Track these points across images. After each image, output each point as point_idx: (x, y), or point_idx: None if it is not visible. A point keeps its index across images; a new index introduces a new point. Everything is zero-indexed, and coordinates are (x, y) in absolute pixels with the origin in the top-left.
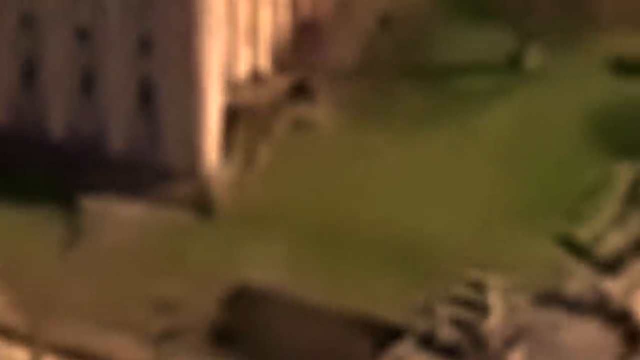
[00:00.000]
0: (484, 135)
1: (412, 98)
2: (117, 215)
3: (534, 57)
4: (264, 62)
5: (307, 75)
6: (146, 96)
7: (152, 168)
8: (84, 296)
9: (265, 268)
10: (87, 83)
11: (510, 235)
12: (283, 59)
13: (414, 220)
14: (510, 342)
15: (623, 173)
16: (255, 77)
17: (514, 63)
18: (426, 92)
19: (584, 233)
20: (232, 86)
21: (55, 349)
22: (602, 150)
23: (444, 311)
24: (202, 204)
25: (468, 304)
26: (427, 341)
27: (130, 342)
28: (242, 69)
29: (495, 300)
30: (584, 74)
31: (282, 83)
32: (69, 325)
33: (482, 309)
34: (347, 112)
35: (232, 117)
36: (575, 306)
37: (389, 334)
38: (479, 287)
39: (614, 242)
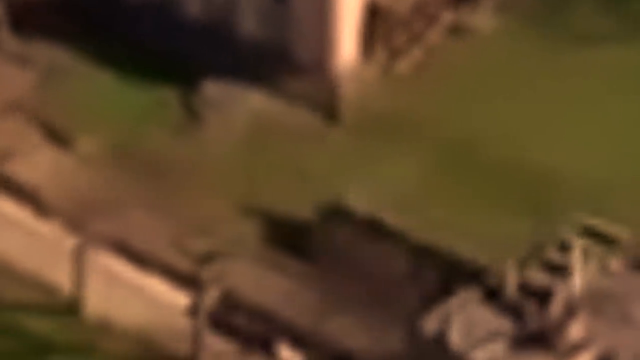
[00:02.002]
0: None
1: (587, 15)
2: (235, 104)
3: None
4: None
5: None
6: None
7: (281, 58)
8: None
9: (375, 190)
10: None
11: None
12: None
13: (552, 153)
14: (573, 309)
15: None
16: None
17: None
18: (605, 10)
19: None
20: None
21: (102, 240)
22: None
23: (524, 264)
24: (329, 105)
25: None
26: (493, 294)
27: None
28: None
29: (577, 260)
30: None
31: None
32: (119, 218)
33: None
34: (512, 22)
35: (379, 17)
36: None
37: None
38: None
39: None
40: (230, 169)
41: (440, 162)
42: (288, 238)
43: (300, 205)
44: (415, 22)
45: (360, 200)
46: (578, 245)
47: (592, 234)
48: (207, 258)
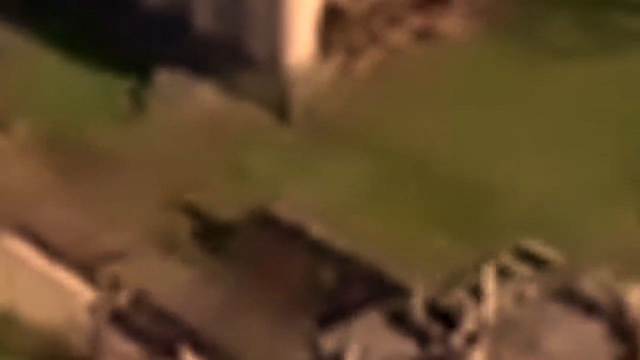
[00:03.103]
0: (633, 83)
1: (562, 28)
2: (184, 96)
3: None
4: None
5: None
6: None
7: (235, 53)
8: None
9: (312, 196)
10: None
11: (602, 210)
12: None
13: (505, 170)
14: (478, 335)
15: None
16: None
17: None
18: (581, 24)
19: None
20: None
21: (13, 229)
22: None
23: (434, 287)
24: (280, 104)
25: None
26: (401, 315)
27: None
28: None
29: (490, 284)
30: None
31: None
32: (38, 207)
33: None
34: (484, 30)
35: (337, 15)
36: (590, 307)
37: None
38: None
39: None
40: (169, 163)
41: (385, 173)
42: (212, 238)
43: (232, 205)
44: (374, 22)
45: (292, 205)
46: (492, 268)
47: (524, 256)
48: (118, 255)
